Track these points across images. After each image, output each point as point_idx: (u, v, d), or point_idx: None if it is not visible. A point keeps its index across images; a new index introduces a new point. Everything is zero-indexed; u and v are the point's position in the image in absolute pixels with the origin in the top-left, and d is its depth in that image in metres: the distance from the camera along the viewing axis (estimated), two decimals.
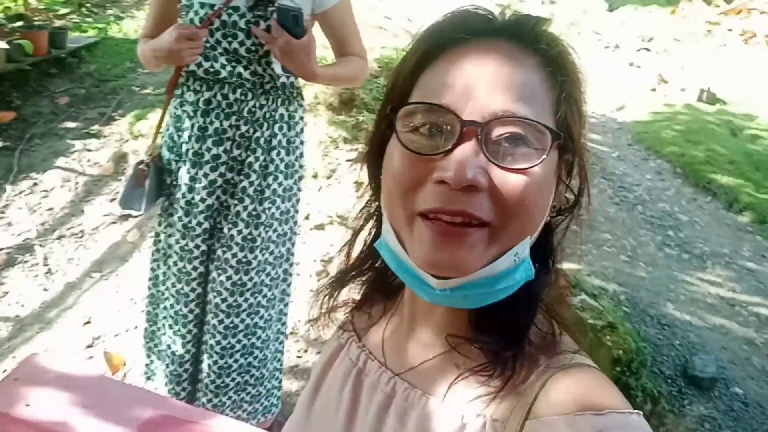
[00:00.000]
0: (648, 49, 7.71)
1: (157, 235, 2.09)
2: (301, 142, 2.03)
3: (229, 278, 1.96)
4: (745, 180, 4.95)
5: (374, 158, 0.70)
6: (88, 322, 2.98)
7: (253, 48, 1.81)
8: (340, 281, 0.81)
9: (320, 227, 3.43)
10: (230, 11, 1.78)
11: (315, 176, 3.70)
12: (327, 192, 3.66)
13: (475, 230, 0.58)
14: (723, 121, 6.11)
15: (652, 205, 4.48)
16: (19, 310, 3.11)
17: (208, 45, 1.81)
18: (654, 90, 6.74)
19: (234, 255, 1.94)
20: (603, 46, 7.85)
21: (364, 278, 0.81)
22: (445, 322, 0.69)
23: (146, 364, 2.22)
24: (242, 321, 2.01)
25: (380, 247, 0.69)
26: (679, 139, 5.52)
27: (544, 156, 0.58)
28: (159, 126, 2.02)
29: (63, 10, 6.19)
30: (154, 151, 2.00)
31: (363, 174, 0.75)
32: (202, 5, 1.79)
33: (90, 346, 2.85)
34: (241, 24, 1.78)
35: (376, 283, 0.81)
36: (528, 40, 0.62)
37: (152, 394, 1.88)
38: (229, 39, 1.80)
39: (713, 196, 4.80)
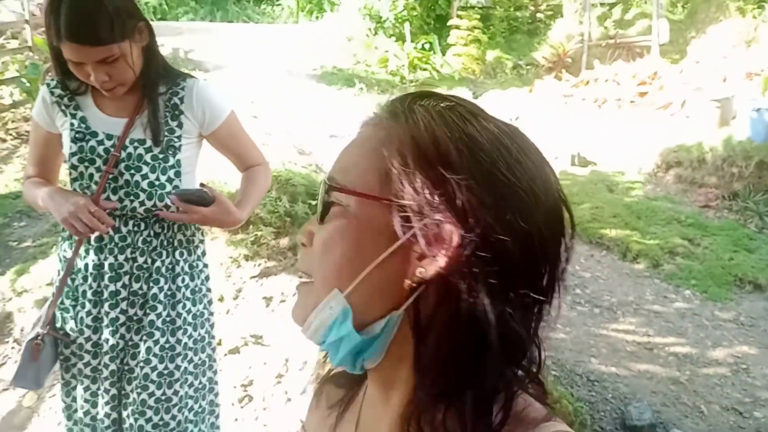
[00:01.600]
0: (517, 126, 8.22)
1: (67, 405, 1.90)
2: (205, 266, 1.94)
3: (149, 420, 1.79)
4: (631, 230, 5.26)
5: None
6: None
7: (156, 182, 1.74)
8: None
9: (235, 351, 3.26)
10: (136, 144, 1.72)
11: (221, 299, 3.55)
12: (236, 313, 3.51)
13: (304, 285, 0.66)
14: (597, 179, 6.55)
15: None
16: None
17: (110, 176, 1.73)
18: None
19: (151, 394, 1.79)
20: None
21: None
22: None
23: None
24: None
25: None
26: None
27: (333, 208, 0.63)
28: (59, 293, 1.81)
29: None
30: (51, 322, 1.81)
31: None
32: (109, 137, 1.71)
33: None
34: (147, 158, 1.72)
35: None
36: (386, 115, 0.65)
37: None
38: (132, 171, 1.72)
39: (607, 250, 5.05)
